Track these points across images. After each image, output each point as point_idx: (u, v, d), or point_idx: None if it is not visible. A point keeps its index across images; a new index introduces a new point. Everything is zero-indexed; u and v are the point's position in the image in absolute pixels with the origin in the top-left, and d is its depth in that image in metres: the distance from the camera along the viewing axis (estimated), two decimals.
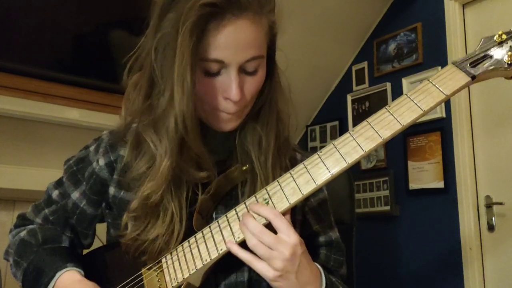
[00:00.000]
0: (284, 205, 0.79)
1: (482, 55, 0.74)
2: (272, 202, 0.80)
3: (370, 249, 3.00)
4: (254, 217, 0.79)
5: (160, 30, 0.82)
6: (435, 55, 2.85)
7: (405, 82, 2.97)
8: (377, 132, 0.75)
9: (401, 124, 0.73)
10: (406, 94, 0.75)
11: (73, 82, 2.33)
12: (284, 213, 0.80)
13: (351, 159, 0.76)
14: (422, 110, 0.73)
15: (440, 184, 2.71)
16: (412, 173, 2.87)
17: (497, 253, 2.51)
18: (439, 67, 2.78)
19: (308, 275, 0.81)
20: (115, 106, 2.42)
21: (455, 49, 2.76)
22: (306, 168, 0.79)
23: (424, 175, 2.80)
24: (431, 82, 0.74)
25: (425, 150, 2.82)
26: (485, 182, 2.62)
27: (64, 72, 2.32)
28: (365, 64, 3.26)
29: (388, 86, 3.07)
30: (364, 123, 0.77)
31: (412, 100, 0.73)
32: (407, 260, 2.85)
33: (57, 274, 0.89)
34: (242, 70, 0.82)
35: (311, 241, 0.98)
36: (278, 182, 0.81)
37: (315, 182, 0.78)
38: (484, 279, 2.53)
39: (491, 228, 2.55)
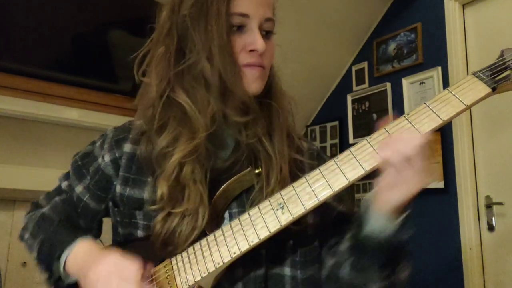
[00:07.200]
0: (300, 210, 0.78)
1: (503, 66, 0.74)
2: (287, 207, 0.79)
3: None
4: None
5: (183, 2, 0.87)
6: (435, 55, 2.85)
7: (405, 82, 2.97)
8: None
9: (420, 133, 0.72)
10: (425, 103, 0.74)
11: (73, 82, 2.34)
12: None
13: (369, 165, 0.75)
14: (442, 119, 0.72)
15: (440, 184, 2.71)
16: None
17: (497, 253, 2.52)
18: (439, 67, 2.79)
19: None
20: (114, 106, 2.42)
21: (455, 49, 2.75)
22: (322, 174, 0.79)
23: None
24: (451, 92, 0.73)
25: None
26: (485, 182, 2.62)
27: (64, 72, 2.32)
28: (365, 64, 3.26)
29: (388, 86, 3.07)
30: (382, 130, 0.76)
31: (431, 109, 0.73)
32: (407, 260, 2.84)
33: (78, 240, 0.90)
34: (262, 30, 0.88)
35: (339, 223, 0.96)
36: (293, 187, 0.81)
37: (331, 188, 0.77)
38: (484, 279, 2.53)
39: (491, 228, 2.55)
